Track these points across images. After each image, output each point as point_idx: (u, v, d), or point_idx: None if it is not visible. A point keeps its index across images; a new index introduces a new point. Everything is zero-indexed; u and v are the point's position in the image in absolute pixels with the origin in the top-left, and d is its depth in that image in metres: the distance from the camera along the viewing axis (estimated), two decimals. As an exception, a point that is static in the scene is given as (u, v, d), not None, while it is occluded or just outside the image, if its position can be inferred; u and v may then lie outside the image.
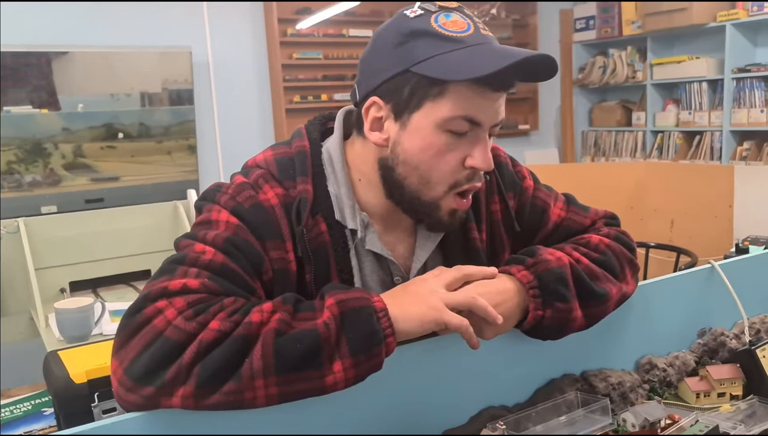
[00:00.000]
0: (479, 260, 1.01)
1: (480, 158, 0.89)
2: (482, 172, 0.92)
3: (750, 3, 4.29)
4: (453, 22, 0.87)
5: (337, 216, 0.94)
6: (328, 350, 0.74)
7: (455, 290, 0.85)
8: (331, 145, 0.98)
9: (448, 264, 0.98)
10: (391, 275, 1.00)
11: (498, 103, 0.89)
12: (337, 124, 0.99)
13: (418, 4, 0.91)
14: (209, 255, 0.82)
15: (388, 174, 0.93)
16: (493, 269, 0.89)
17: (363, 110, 0.92)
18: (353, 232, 0.95)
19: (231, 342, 0.72)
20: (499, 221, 1.04)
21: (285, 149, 0.96)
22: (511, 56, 0.83)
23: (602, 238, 1.01)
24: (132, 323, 0.74)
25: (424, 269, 1.01)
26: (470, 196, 0.94)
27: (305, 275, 0.91)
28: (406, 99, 0.88)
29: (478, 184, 0.93)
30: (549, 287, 0.88)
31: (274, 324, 0.74)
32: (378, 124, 0.92)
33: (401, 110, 0.89)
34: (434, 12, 0.88)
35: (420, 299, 0.82)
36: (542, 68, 0.87)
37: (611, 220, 1.09)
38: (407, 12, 0.89)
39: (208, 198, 0.92)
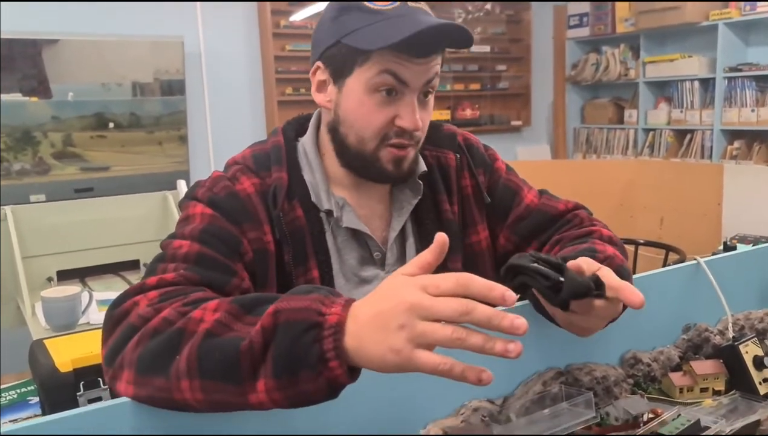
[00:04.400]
0: (452, 231, 1.06)
1: (407, 118, 0.96)
2: (417, 133, 0.99)
3: (742, 2, 4.30)
4: None
5: (313, 199, 1.01)
6: (248, 366, 0.65)
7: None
8: (305, 140, 1.06)
9: (423, 234, 1.07)
10: (370, 251, 1.05)
11: (424, 68, 0.96)
12: (313, 120, 1.08)
13: None
14: (185, 248, 0.87)
15: (335, 136, 1.02)
16: (500, 287, 0.62)
17: (311, 74, 1.03)
18: (329, 214, 1.02)
19: (168, 334, 0.71)
20: (470, 196, 1.11)
21: (261, 146, 1.04)
22: (417, 26, 0.89)
23: (609, 231, 1.04)
24: (112, 317, 0.79)
25: (402, 240, 1.07)
26: (409, 150, 1.00)
27: (284, 255, 0.97)
28: (340, 66, 0.98)
29: (406, 142, 0.99)
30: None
31: (208, 324, 0.69)
32: (323, 87, 1.02)
33: (338, 76, 0.99)
34: None
35: (384, 333, 0.63)
36: (454, 35, 0.95)
37: (585, 211, 1.12)
38: None
39: (187, 195, 0.98)
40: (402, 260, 1.08)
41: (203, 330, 0.69)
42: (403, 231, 1.08)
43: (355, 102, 0.97)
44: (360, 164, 1.01)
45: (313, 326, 0.64)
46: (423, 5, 0.98)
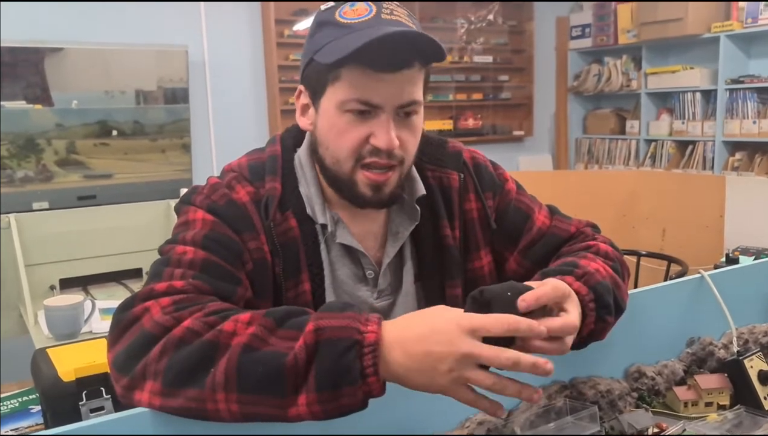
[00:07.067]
0: (452, 257, 1.04)
1: (382, 138, 0.91)
2: (396, 153, 0.93)
3: (744, 14, 4.32)
4: (354, 10, 0.92)
5: (309, 212, 0.98)
6: (292, 380, 0.69)
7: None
8: (301, 152, 1.03)
9: (421, 259, 1.03)
10: (363, 269, 1.03)
11: (397, 84, 0.91)
12: (308, 133, 1.04)
13: None
14: (190, 254, 0.86)
15: (316, 157, 0.99)
16: (542, 328, 0.71)
17: (295, 98, 1.01)
18: (323, 228, 0.99)
19: (198, 345, 0.72)
20: (475, 220, 1.07)
21: (258, 155, 1.01)
22: (376, 35, 0.85)
23: (607, 246, 1.02)
24: (122, 320, 0.78)
25: (399, 264, 1.04)
26: (390, 174, 0.94)
27: (275, 267, 0.95)
28: (314, 86, 0.95)
29: (382, 161, 0.93)
30: (603, 299, 0.87)
31: (245, 338, 0.71)
32: (306, 110, 0.99)
33: (315, 96, 0.96)
34: (342, 3, 0.93)
35: (432, 372, 0.70)
36: (420, 45, 0.89)
37: (594, 228, 1.10)
38: (322, 6, 0.95)
39: (185, 201, 0.97)
40: (397, 285, 1.05)
41: (239, 344, 0.71)
42: (401, 254, 1.04)
43: (328, 123, 0.94)
44: (338, 187, 0.97)
45: (354, 344, 0.69)
46: (402, 16, 0.92)
